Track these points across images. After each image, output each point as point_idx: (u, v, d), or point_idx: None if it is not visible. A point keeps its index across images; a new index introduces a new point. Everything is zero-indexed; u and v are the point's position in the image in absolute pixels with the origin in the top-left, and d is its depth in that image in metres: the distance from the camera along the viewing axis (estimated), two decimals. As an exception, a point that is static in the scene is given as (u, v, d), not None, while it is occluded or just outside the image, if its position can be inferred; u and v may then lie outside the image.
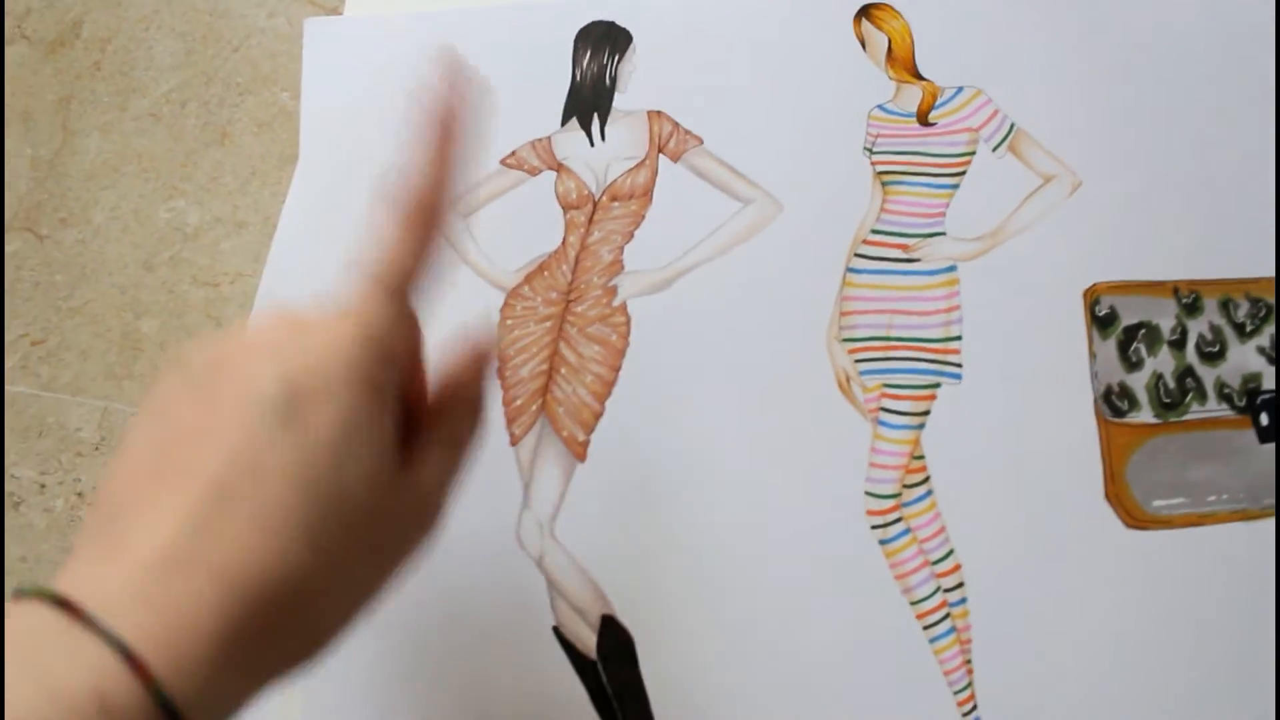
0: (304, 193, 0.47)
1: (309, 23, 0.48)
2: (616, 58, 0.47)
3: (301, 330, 0.26)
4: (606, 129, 0.46)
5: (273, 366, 0.25)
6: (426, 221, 0.29)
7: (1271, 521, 0.44)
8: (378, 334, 0.27)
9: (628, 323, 0.45)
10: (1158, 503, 0.44)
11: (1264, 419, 0.45)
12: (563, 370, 0.45)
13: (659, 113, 0.47)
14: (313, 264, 0.46)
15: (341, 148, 0.47)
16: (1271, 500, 0.44)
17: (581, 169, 0.46)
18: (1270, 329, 0.45)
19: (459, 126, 0.30)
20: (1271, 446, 0.44)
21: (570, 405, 0.44)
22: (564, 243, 0.46)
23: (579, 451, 0.44)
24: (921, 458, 0.44)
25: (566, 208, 0.46)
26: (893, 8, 0.47)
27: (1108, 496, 0.44)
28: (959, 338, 0.45)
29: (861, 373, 0.45)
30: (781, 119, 0.47)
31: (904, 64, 0.47)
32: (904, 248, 0.45)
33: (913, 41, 0.47)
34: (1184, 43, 0.47)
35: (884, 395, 0.44)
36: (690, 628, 0.43)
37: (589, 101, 0.47)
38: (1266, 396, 0.45)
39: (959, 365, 0.45)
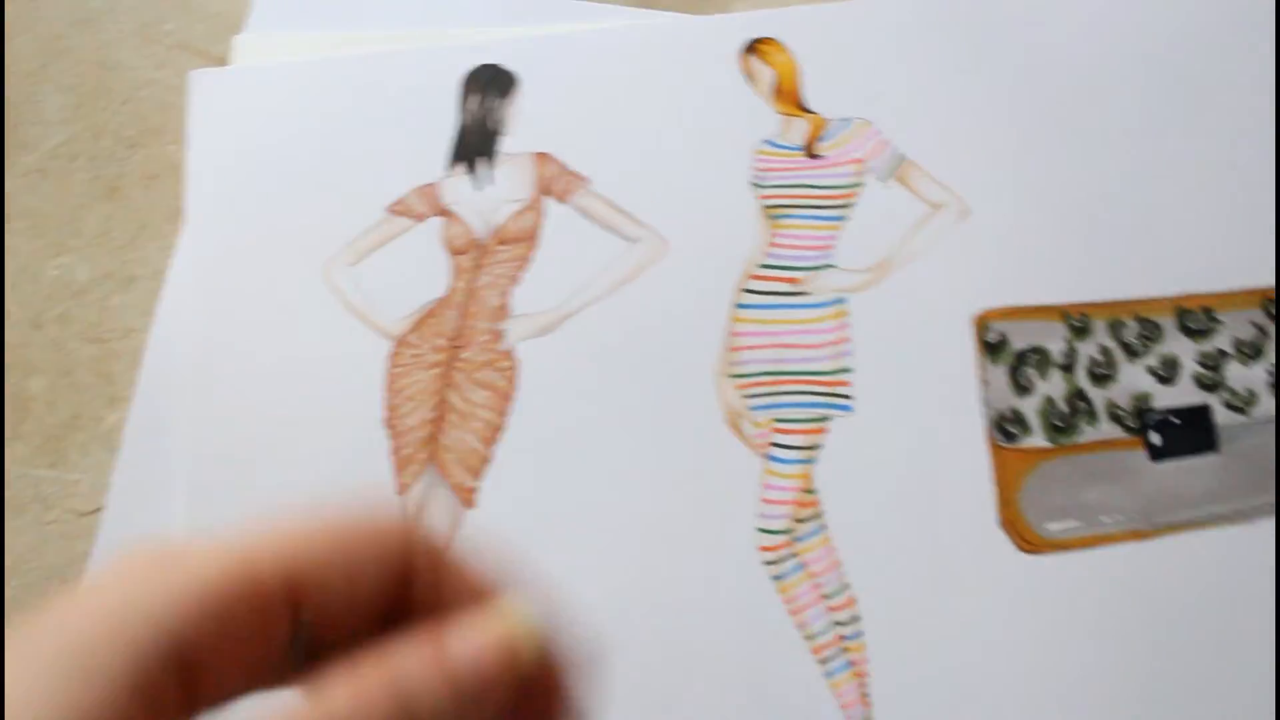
0: (193, 247, 0.48)
1: (194, 75, 0.49)
2: (502, 101, 0.48)
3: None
4: (493, 172, 0.48)
5: None
6: None
7: (1164, 540, 0.45)
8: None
9: (515, 367, 0.46)
10: (1051, 526, 0.45)
11: (1155, 438, 0.46)
12: (451, 417, 0.46)
13: (545, 154, 0.48)
14: (204, 318, 0.47)
15: (230, 200, 0.48)
16: (1164, 519, 0.45)
17: (468, 213, 0.47)
18: (1160, 348, 0.47)
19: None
20: (1162, 465, 0.46)
21: (459, 452, 0.45)
22: (451, 288, 0.47)
23: (468, 498, 0.45)
24: (813, 492, 0.45)
25: (453, 253, 0.47)
26: (779, 42, 0.49)
27: (1001, 522, 0.45)
28: (848, 370, 0.46)
29: (751, 408, 0.46)
30: (669, 156, 0.48)
31: (790, 97, 0.48)
32: (793, 281, 0.47)
33: (799, 75, 0.48)
34: (1067, 67, 0.49)
35: (774, 430, 0.45)
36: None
37: (475, 145, 0.48)
38: (1157, 416, 0.46)
39: (849, 397, 0.46)
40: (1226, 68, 0.49)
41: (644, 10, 0.50)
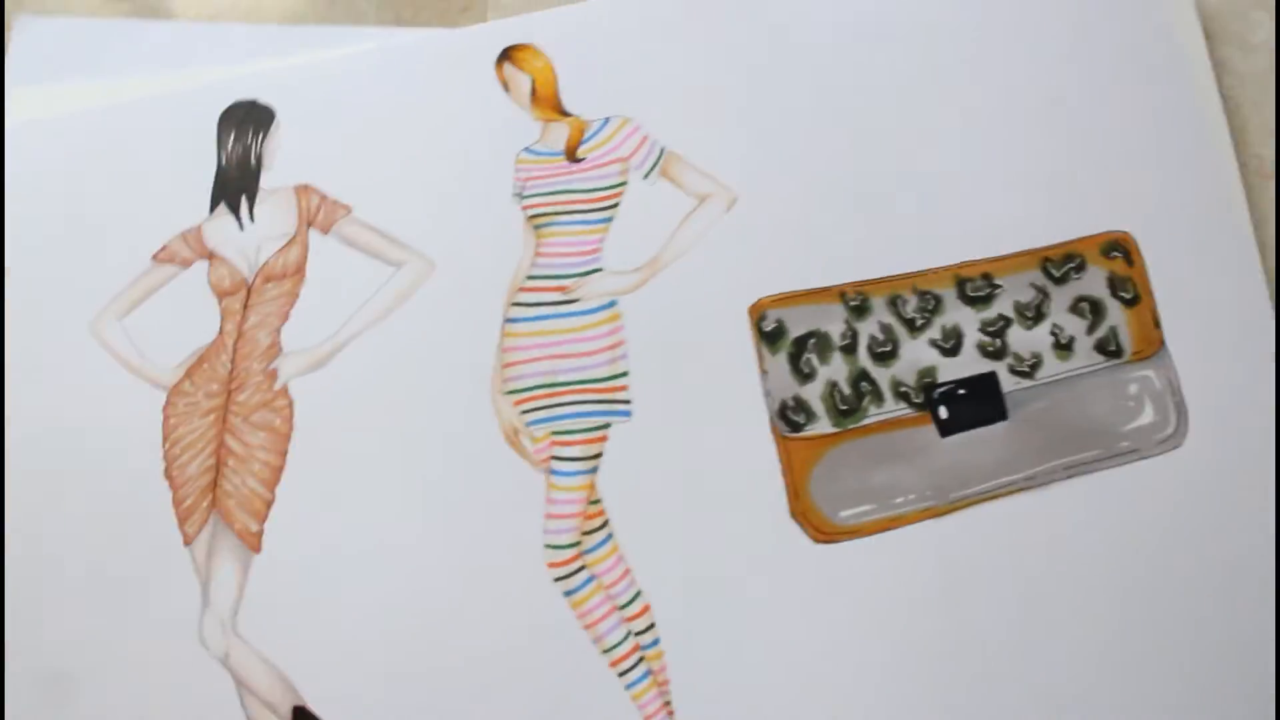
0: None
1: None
2: (261, 136, 0.48)
3: None
4: (255, 209, 0.47)
5: None
6: None
7: (959, 515, 0.45)
8: None
9: (290, 405, 0.46)
10: (844, 513, 0.45)
11: (943, 412, 0.45)
12: (230, 462, 0.45)
13: (306, 187, 0.48)
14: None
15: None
16: (959, 493, 0.45)
17: (233, 254, 0.47)
18: (941, 319, 0.46)
19: None
20: (952, 439, 0.45)
21: (241, 496, 0.45)
22: (221, 332, 0.47)
23: (253, 543, 0.45)
24: (598, 501, 0.45)
25: (221, 295, 0.47)
26: (534, 47, 0.48)
27: (793, 514, 0.45)
28: (625, 374, 0.46)
29: (529, 423, 0.45)
30: (431, 175, 0.48)
31: (548, 102, 0.48)
32: (561, 290, 0.46)
33: (556, 79, 0.48)
34: (823, 44, 0.49)
35: (554, 443, 0.45)
36: (384, 708, 0.44)
37: (236, 184, 0.48)
38: (944, 389, 0.45)
39: (627, 402, 0.45)
40: (985, 32, 0.49)
41: (397, 29, 0.50)
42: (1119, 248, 0.47)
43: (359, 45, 0.49)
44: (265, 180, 0.48)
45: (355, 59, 0.49)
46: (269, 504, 0.45)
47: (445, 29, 0.49)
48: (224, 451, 0.46)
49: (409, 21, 0.50)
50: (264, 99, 0.49)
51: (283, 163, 0.48)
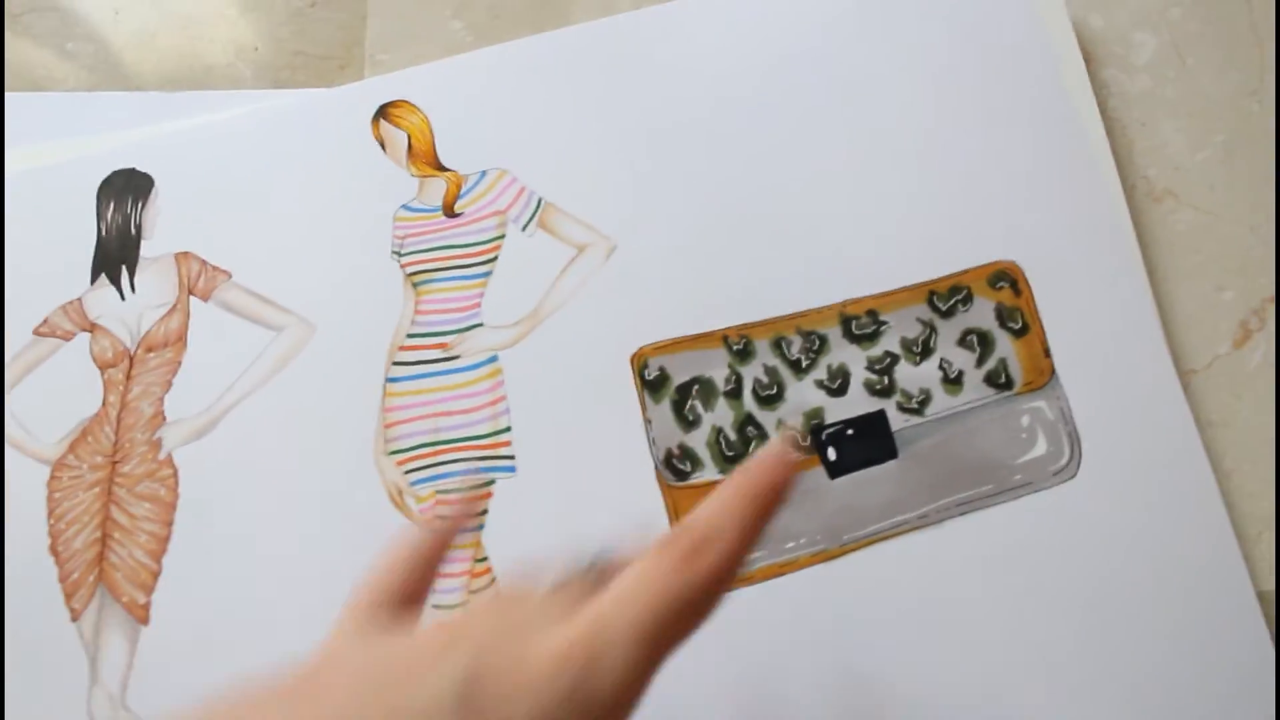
0: None
1: None
2: (140, 204, 0.48)
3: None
4: (136, 279, 0.47)
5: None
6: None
7: (851, 557, 0.44)
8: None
9: (175, 474, 0.46)
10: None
11: (831, 453, 0.45)
12: (116, 534, 0.45)
13: (186, 254, 0.48)
14: None
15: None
16: (850, 535, 0.44)
17: (115, 325, 0.47)
18: (826, 359, 0.46)
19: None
20: (842, 480, 0.45)
21: (127, 569, 0.45)
22: (104, 403, 0.47)
23: (141, 615, 0.44)
24: (485, 559, 0.45)
25: (103, 367, 0.47)
26: (410, 103, 0.48)
27: (682, 565, 0.44)
28: (508, 429, 0.46)
29: (413, 483, 0.45)
30: (309, 236, 0.48)
31: (425, 158, 0.48)
32: (442, 346, 0.46)
33: (432, 134, 0.48)
34: (696, 89, 0.48)
35: (439, 502, 0.45)
36: (277, 777, 0.43)
37: (116, 254, 0.48)
38: (831, 430, 0.45)
39: (511, 458, 0.45)
40: (860, 65, 0.48)
41: (274, 91, 0.50)
42: (1005, 277, 0.46)
43: (237, 109, 0.49)
44: (146, 249, 0.48)
45: (231, 123, 0.49)
46: (156, 575, 0.45)
47: (322, 89, 0.50)
48: (109, 524, 0.46)
49: (287, 83, 0.50)
50: (142, 167, 0.49)
51: (162, 230, 0.49)
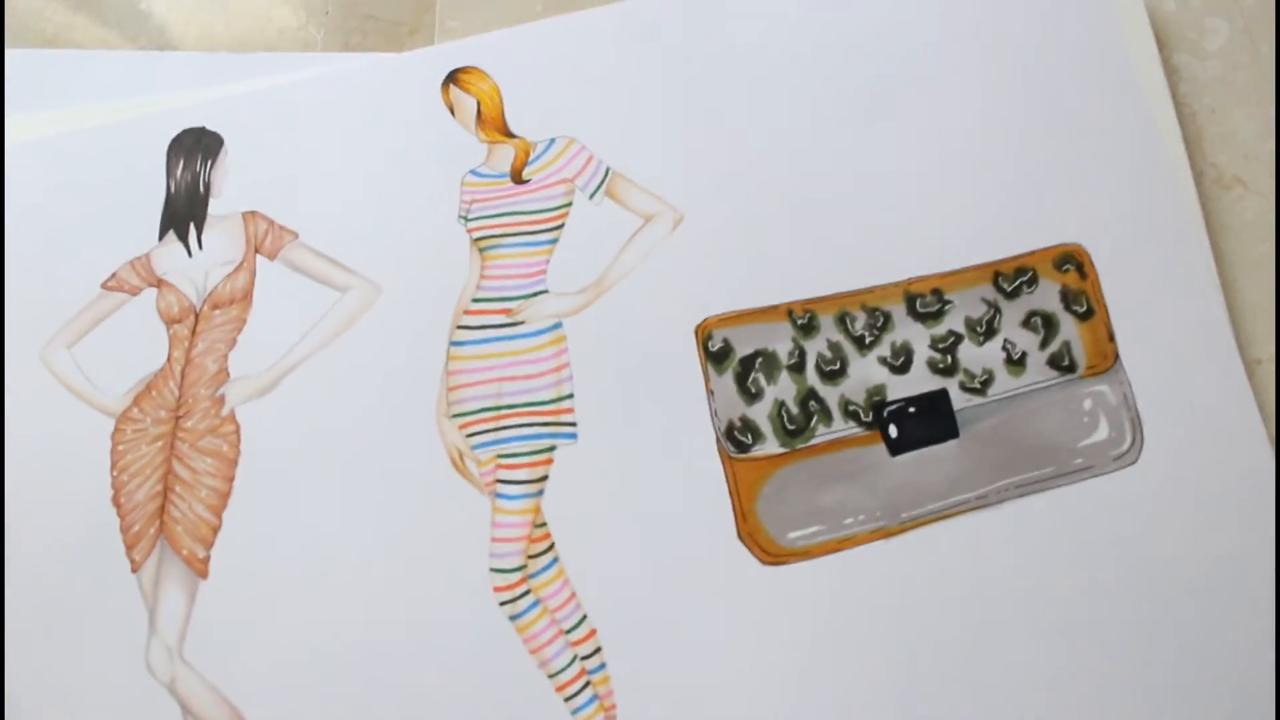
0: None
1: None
2: (209, 163, 0.49)
3: None
4: (204, 236, 0.48)
5: None
6: None
7: (910, 535, 0.45)
8: None
9: (237, 431, 0.46)
10: (793, 534, 0.45)
11: (892, 430, 0.46)
12: (177, 488, 0.46)
13: (254, 213, 0.48)
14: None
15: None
16: (909, 513, 0.45)
17: (181, 281, 0.48)
18: (890, 336, 0.46)
19: None
20: (902, 458, 0.45)
21: (188, 523, 0.46)
22: (169, 358, 0.47)
23: (200, 569, 0.45)
24: (544, 525, 0.45)
25: (169, 322, 0.48)
26: (480, 70, 0.49)
27: (741, 536, 0.45)
28: (571, 396, 0.46)
29: (474, 446, 0.46)
30: (377, 199, 0.48)
31: (494, 124, 0.48)
32: (506, 312, 0.47)
33: (502, 100, 0.49)
34: (767, 63, 0.49)
35: (499, 466, 0.46)
36: (332, 734, 0.44)
37: (184, 212, 0.49)
38: (893, 407, 0.46)
39: (573, 424, 0.46)
40: (934, 45, 0.49)
41: (344, 55, 0.51)
42: (1072, 260, 0.47)
43: (307, 71, 0.50)
44: (214, 207, 0.49)
45: (303, 85, 0.50)
46: (216, 530, 0.46)
47: (392, 54, 0.50)
48: (171, 478, 0.47)
49: (356, 47, 0.51)
50: (213, 126, 0.50)
51: (231, 189, 0.49)
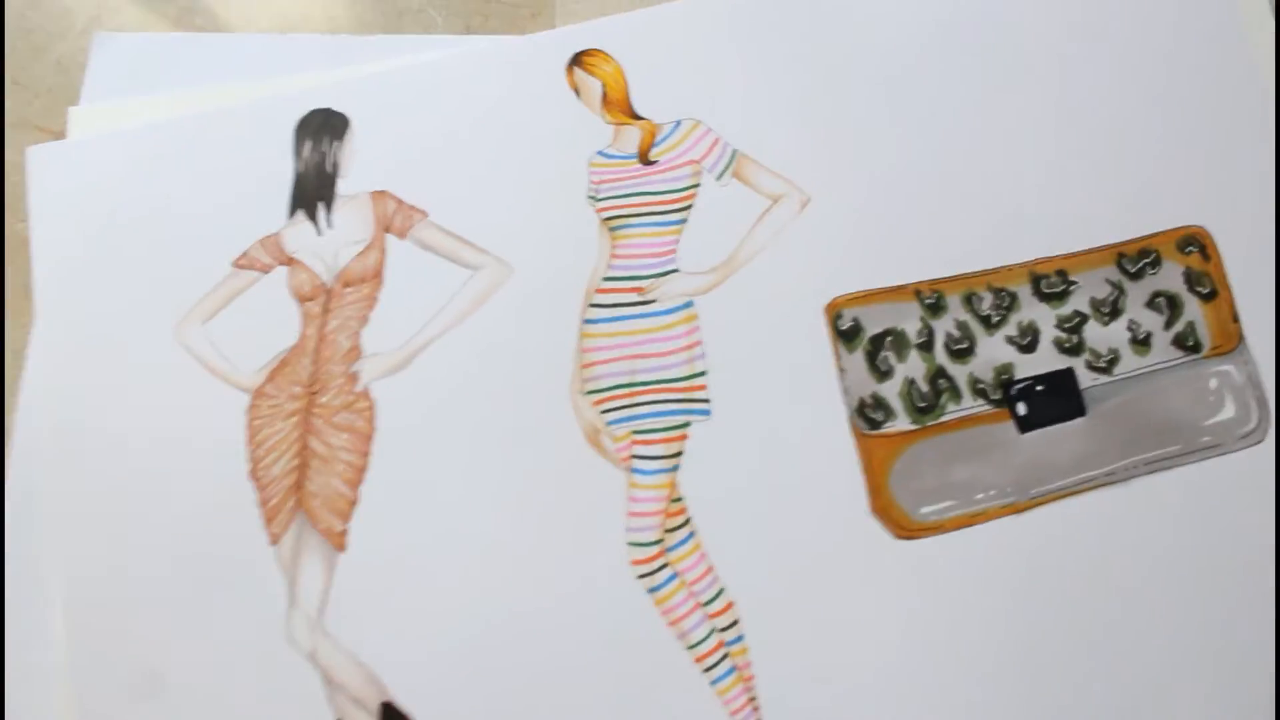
0: (46, 322, 0.49)
1: (30, 151, 0.51)
2: (336, 144, 0.50)
3: None
4: (332, 216, 0.49)
5: None
6: None
7: (1039, 511, 0.46)
8: None
9: (372, 407, 0.47)
10: (925, 509, 0.46)
11: (1021, 408, 0.47)
12: (314, 463, 0.47)
13: (382, 192, 0.49)
14: (64, 391, 0.48)
15: (77, 271, 0.50)
16: (1038, 489, 0.46)
17: (312, 259, 0.49)
18: (1017, 316, 0.47)
19: None
20: (1031, 435, 0.46)
21: (325, 496, 0.47)
22: (302, 335, 0.48)
23: (338, 542, 0.46)
24: (680, 499, 0.46)
25: (301, 300, 0.48)
26: (604, 52, 0.50)
27: (874, 510, 0.46)
28: (704, 373, 0.47)
29: (609, 422, 0.47)
30: (504, 180, 0.49)
31: (619, 106, 0.49)
32: (638, 291, 0.48)
33: (626, 83, 0.49)
34: (894, 43, 0.50)
35: (634, 442, 0.46)
36: (472, 704, 0.45)
37: (313, 191, 0.49)
38: (1021, 385, 0.47)
39: (706, 401, 0.47)
40: (1057, 28, 0.50)
41: (466, 37, 0.51)
42: (1195, 242, 0.48)
43: (430, 54, 0.51)
44: (341, 187, 0.50)
45: (427, 67, 0.51)
46: (353, 503, 0.47)
47: (515, 36, 0.51)
48: (307, 453, 0.47)
49: (478, 30, 0.52)
50: (339, 107, 0.50)
51: (358, 169, 0.50)
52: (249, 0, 0.54)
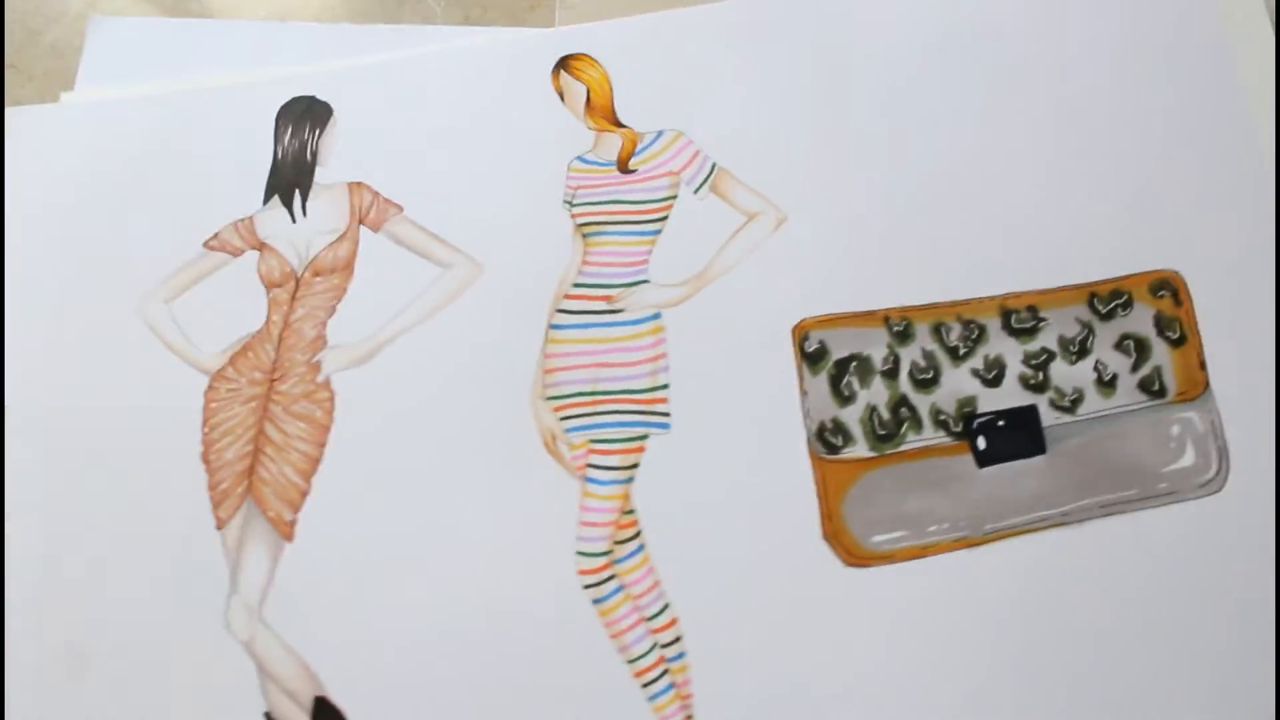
0: (13, 286, 0.49)
1: (12, 113, 0.51)
2: (318, 132, 0.50)
3: None
4: (308, 204, 0.49)
5: None
6: None
7: (993, 547, 0.45)
8: None
9: (332, 398, 0.47)
10: (877, 538, 0.46)
11: (981, 442, 0.46)
12: (268, 450, 0.47)
13: (359, 184, 0.49)
14: (26, 356, 0.48)
15: (48, 238, 0.50)
16: (993, 525, 0.46)
17: (284, 246, 0.49)
18: (984, 349, 0.47)
19: None
20: (989, 470, 0.46)
21: (277, 485, 0.46)
22: (267, 321, 0.48)
23: (286, 531, 0.46)
24: (632, 512, 0.46)
25: (269, 286, 0.48)
26: (590, 57, 0.50)
27: (825, 535, 0.46)
28: (666, 386, 0.47)
29: (568, 430, 0.46)
30: (482, 179, 0.49)
31: (603, 112, 0.49)
32: (607, 299, 0.48)
33: (611, 89, 0.50)
34: (877, 70, 0.50)
35: (591, 451, 0.46)
36: (407, 706, 0.45)
37: (290, 178, 0.50)
38: (983, 419, 0.46)
39: (667, 414, 0.47)
40: (1040, 61, 0.50)
41: (463, 28, 0.52)
42: (1167, 286, 0.48)
43: (422, 47, 0.51)
44: (320, 176, 0.50)
45: (413, 61, 0.51)
46: (304, 494, 0.47)
47: (506, 29, 0.51)
48: (263, 439, 0.47)
49: (477, 20, 0.53)
50: (324, 96, 0.51)
51: (338, 160, 0.50)
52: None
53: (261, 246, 0.49)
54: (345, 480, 0.47)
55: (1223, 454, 0.47)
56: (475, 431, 0.47)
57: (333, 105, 0.51)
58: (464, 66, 0.51)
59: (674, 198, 0.49)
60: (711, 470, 0.47)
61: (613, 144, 0.50)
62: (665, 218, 0.49)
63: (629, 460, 0.47)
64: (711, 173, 0.49)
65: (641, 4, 0.52)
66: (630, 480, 0.47)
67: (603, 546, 0.46)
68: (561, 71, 0.50)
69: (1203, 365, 0.48)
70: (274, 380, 0.48)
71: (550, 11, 0.53)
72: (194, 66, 0.52)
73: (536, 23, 0.53)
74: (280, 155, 0.50)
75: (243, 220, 0.50)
